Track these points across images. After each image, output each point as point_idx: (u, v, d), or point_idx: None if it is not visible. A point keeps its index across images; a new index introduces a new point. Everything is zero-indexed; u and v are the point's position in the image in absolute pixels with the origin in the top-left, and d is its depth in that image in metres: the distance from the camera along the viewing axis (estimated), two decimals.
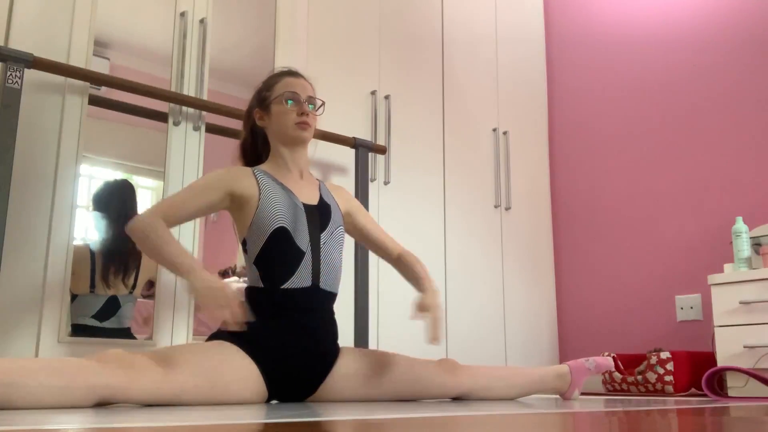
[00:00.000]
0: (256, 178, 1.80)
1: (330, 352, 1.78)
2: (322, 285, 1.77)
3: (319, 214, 1.83)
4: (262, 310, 1.70)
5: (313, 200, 1.86)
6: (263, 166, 1.88)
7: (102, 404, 1.38)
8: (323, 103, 1.93)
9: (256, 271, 1.74)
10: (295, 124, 1.84)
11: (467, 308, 3.21)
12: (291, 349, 1.68)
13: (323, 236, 1.81)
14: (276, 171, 1.87)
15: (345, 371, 1.77)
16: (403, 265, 2.00)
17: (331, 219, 1.85)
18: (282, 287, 1.71)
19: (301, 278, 1.73)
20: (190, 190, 1.78)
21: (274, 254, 1.73)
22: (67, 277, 2.06)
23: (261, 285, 1.72)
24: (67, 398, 1.31)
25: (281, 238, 1.73)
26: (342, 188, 2.03)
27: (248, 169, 1.84)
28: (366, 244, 2.05)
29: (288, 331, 1.69)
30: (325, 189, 1.94)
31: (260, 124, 1.91)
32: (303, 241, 1.76)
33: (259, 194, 1.76)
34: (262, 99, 1.90)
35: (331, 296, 1.81)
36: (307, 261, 1.75)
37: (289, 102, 1.85)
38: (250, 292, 1.74)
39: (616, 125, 3.67)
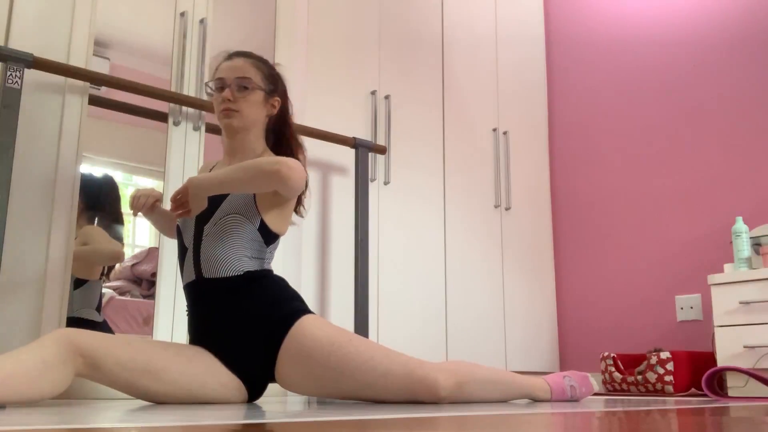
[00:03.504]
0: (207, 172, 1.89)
1: (261, 330, 1.67)
2: (206, 275, 1.72)
3: (208, 205, 1.75)
4: (187, 307, 1.79)
5: None
6: None
7: (79, 369, 1.49)
8: (250, 84, 1.77)
9: None
10: (220, 111, 1.78)
11: (467, 308, 3.21)
12: (209, 336, 1.72)
13: (206, 228, 1.73)
14: (221, 161, 1.89)
15: (293, 365, 1.64)
16: None
17: (218, 208, 1.73)
18: (184, 284, 1.78)
19: (188, 273, 1.76)
20: None
21: (177, 252, 1.82)
22: (67, 278, 2.06)
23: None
24: (42, 348, 1.42)
25: (178, 236, 1.81)
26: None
27: (215, 162, 1.93)
28: None
29: (197, 322, 1.74)
30: None
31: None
32: (188, 236, 1.77)
33: None
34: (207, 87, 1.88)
35: (221, 281, 1.70)
36: (189, 256, 1.76)
37: (216, 89, 1.79)
38: None
39: (616, 125, 3.67)
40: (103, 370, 1.51)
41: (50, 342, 1.44)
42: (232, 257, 1.71)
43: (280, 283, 1.77)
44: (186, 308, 1.80)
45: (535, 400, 1.85)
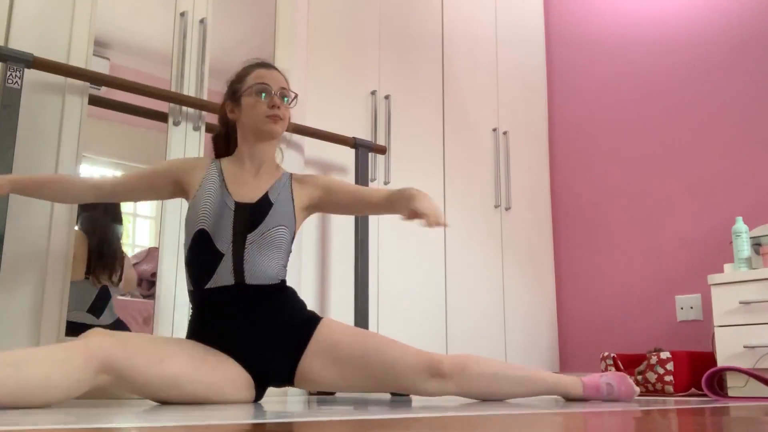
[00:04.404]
0: (206, 172, 1.83)
1: (288, 334, 1.74)
2: (249, 281, 1.73)
3: (252, 215, 1.78)
4: (197, 309, 1.77)
5: (253, 198, 1.81)
6: (225, 159, 1.89)
7: (100, 385, 1.45)
8: (296, 96, 1.89)
9: (186, 272, 1.79)
10: (266, 117, 1.80)
11: (467, 308, 3.21)
12: (236, 339, 1.71)
13: (250, 236, 1.76)
14: (233, 165, 1.87)
15: (321, 349, 1.74)
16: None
17: (265, 219, 1.78)
18: (206, 287, 1.74)
19: (221, 278, 1.73)
20: (143, 171, 1.86)
21: (196, 256, 1.77)
22: (66, 278, 2.06)
23: (190, 287, 1.78)
24: (70, 368, 1.37)
25: (202, 240, 1.76)
26: (311, 176, 1.96)
27: (208, 161, 1.88)
28: (360, 209, 1.91)
29: (222, 326, 1.72)
30: (282, 184, 1.87)
31: (231, 117, 1.88)
32: (224, 242, 1.75)
33: (197, 191, 1.79)
34: (233, 91, 1.87)
35: (262, 288, 1.75)
36: (226, 262, 1.74)
37: (261, 95, 1.81)
38: (189, 296, 1.80)
39: (615, 125, 3.67)
40: (128, 386, 1.50)
41: (79, 359, 1.39)
42: (276, 266, 1.79)
43: (294, 291, 1.87)
44: (198, 310, 1.76)
45: (567, 396, 1.89)
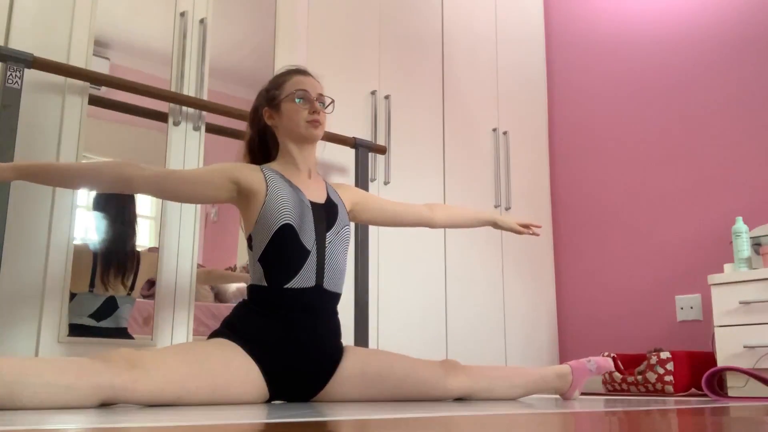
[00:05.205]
0: (264, 174, 1.79)
1: (334, 352, 1.77)
2: (326, 285, 1.76)
3: (326, 213, 1.82)
4: (265, 308, 1.70)
5: (321, 199, 1.84)
6: (272, 164, 1.86)
7: (106, 404, 1.37)
8: (332, 101, 1.92)
9: (261, 269, 1.72)
10: (306, 122, 1.83)
11: (467, 308, 3.21)
12: (294, 348, 1.68)
13: (329, 235, 1.80)
14: (284, 169, 1.85)
15: (349, 372, 1.76)
16: (445, 215, 2.16)
17: (338, 218, 1.83)
18: (285, 286, 1.70)
19: (305, 278, 1.72)
20: (195, 169, 1.80)
21: (279, 252, 1.72)
22: (67, 277, 2.06)
23: (264, 284, 1.71)
24: (72, 397, 1.30)
25: (287, 235, 1.72)
26: (344, 185, 2.03)
27: (255, 166, 1.83)
28: (392, 220, 2.07)
29: (290, 331, 1.69)
30: (331, 188, 1.92)
31: (269, 123, 1.88)
32: (309, 239, 1.75)
33: (267, 189, 1.75)
34: (272, 98, 1.88)
35: (335, 296, 1.80)
36: (311, 260, 1.74)
37: (300, 100, 1.84)
38: (253, 291, 1.74)
39: (616, 125, 3.67)
40: (138, 400, 1.41)
41: (86, 386, 1.31)
42: (344, 270, 1.84)
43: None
44: (264, 307, 1.69)
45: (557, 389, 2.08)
